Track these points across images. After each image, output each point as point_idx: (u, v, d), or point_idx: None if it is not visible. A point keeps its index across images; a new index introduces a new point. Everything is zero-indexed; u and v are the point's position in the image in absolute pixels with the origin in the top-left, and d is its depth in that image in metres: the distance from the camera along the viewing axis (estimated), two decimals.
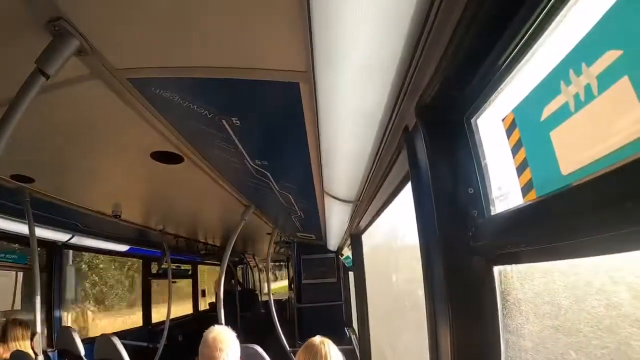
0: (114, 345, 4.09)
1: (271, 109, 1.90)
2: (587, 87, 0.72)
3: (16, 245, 5.24)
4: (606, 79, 0.68)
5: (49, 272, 5.68)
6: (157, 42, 1.44)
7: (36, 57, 1.38)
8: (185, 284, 10.81)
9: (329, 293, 7.74)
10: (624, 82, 0.65)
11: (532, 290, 1.04)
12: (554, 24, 0.82)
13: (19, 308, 5.67)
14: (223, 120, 1.99)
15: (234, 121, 1.98)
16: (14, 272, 5.60)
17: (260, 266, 13.22)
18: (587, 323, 0.82)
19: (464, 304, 1.18)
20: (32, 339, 3.50)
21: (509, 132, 1.01)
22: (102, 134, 2.33)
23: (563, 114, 0.79)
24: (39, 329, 3.47)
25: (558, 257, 0.88)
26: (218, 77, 1.62)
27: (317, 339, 2.36)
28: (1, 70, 1.62)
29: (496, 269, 1.16)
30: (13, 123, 1.41)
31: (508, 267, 1.13)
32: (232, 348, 2.44)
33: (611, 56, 0.67)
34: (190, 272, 10.82)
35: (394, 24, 1.02)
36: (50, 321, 5.58)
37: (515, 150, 1.00)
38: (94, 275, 8.92)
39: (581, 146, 0.76)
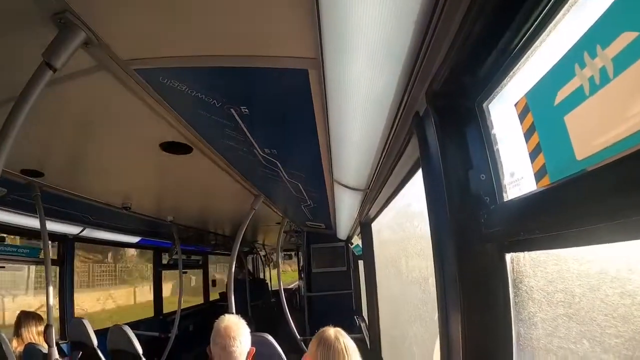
0: (127, 335, 4.12)
1: (280, 96, 1.90)
2: (603, 70, 0.71)
3: (28, 238, 5.29)
4: (622, 62, 0.67)
5: (60, 265, 5.74)
6: (163, 32, 1.44)
7: (43, 51, 1.38)
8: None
9: (338, 281, 7.81)
10: None
11: (544, 278, 1.03)
12: (567, 5, 0.80)
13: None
14: (232, 109, 1.98)
15: (242, 110, 1.98)
16: (27, 266, 5.68)
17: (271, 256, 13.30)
18: (601, 311, 0.81)
19: (476, 291, 1.17)
20: (45, 332, 3.53)
21: (522, 116, 1.00)
22: (111, 126, 2.34)
23: (577, 97, 0.78)
24: (51, 321, 3.50)
25: (572, 245, 0.87)
26: (226, 66, 1.62)
27: (332, 333, 2.31)
28: (9, 64, 1.62)
29: (508, 256, 1.15)
30: (22, 117, 1.41)
31: (520, 254, 1.12)
32: (244, 336, 2.45)
33: (627, 38, 0.66)
34: (200, 263, 10.89)
35: (403, 8, 1.00)
36: (63, 313, 5.64)
37: (528, 135, 0.98)
38: None
39: (596, 131, 0.75)
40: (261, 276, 13.90)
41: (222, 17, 1.33)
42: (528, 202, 0.98)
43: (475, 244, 1.17)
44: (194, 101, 1.90)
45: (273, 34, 1.40)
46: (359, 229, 5.03)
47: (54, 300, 3.83)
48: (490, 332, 1.15)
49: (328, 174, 3.10)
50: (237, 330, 2.43)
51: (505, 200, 1.14)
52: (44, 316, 3.88)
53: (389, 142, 1.91)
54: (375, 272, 4.52)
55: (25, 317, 3.89)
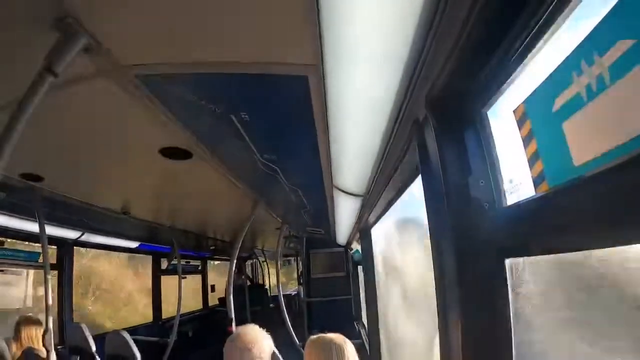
0: (125, 341, 4.11)
1: (280, 103, 1.90)
2: (600, 77, 0.71)
3: (27, 243, 5.27)
4: (618, 69, 0.68)
5: (59, 270, 5.72)
6: (164, 38, 1.44)
7: (44, 56, 1.38)
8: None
9: (338, 287, 7.79)
10: (637, 72, 0.64)
11: (543, 283, 1.04)
12: (565, 13, 0.81)
13: (31, 305, 5.71)
14: (232, 116, 1.99)
15: (242, 116, 1.98)
16: (25, 270, 5.65)
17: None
18: (601, 315, 0.82)
19: (475, 297, 1.17)
20: (43, 336, 3.52)
21: (520, 123, 1.01)
22: (111, 131, 2.33)
23: (575, 104, 0.78)
24: (50, 326, 3.50)
25: (570, 249, 0.88)
26: (226, 72, 1.62)
27: (337, 340, 2.26)
28: (10, 69, 1.62)
29: (507, 261, 1.15)
30: (22, 122, 1.42)
31: (519, 259, 1.12)
32: (265, 345, 2.31)
33: (623, 45, 0.66)
34: (199, 268, 10.86)
35: (403, 15, 1.01)
36: (62, 318, 5.62)
37: (526, 141, 0.99)
38: None
39: (594, 137, 0.76)
40: (260, 281, 13.85)
41: (223, 24, 1.33)
42: (527, 208, 0.99)
43: (475, 249, 1.17)
44: (194, 107, 1.91)
45: (273, 40, 1.41)
46: (358, 235, 5.03)
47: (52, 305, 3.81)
48: (490, 337, 1.15)
49: (328, 180, 3.10)
50: (254, 342, 2.24)
51: (504, 206, 1.15)
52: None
53: (388, 147, 1.92)
54: (374, 278, 4.51)
55: (25, 322, 3.87)
